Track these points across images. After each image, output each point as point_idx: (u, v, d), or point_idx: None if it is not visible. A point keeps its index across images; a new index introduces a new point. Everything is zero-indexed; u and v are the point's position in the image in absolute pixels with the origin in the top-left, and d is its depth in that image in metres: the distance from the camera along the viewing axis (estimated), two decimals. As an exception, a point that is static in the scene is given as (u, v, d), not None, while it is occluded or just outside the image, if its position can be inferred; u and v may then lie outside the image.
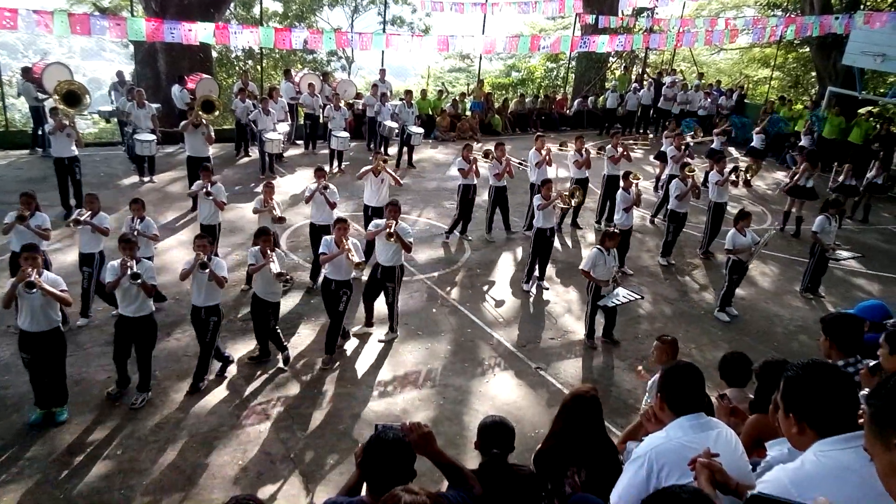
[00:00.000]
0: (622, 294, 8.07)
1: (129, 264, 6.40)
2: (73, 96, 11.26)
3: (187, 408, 6.68)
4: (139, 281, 6.33)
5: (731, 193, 12.60)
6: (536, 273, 9.91)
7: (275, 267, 7.10)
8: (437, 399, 7.14)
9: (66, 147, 10.73)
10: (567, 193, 10.33)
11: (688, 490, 2.07)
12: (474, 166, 11.18)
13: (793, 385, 2.36)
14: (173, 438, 6.22)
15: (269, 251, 7.18)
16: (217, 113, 13.25)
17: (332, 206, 9.19)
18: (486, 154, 11.58)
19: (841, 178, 14.24)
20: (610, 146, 12.33)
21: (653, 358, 5.52)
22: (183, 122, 11.85)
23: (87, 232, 7.92)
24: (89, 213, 7.94)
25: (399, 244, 7.83)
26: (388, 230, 7.75)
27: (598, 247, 8.16)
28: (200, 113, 11.73)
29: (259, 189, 10.00)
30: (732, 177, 11.84)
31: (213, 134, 11.76)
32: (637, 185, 10.55)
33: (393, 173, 10.22)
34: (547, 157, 11.62)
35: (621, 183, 10.72)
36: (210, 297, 6.87)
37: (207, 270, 6.68)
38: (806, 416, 2.30)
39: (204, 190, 9.15)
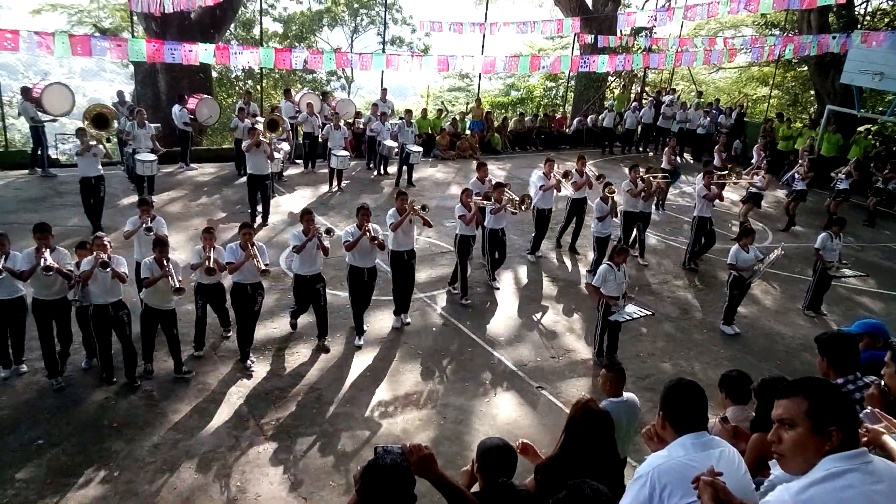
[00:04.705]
0: (633, 310, 8.06)
1: (101, 257, 6.79)
2: (102, 119, 11.73)
3: (185, 428, 6.62)
4: (109, 269, 6.78)
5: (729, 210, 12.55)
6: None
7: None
8: (438, 419, 7.08)
9: (92, 167, 11.10)
10: (518, 199, 10.33)
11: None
12: (476, 212, 9.73)
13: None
14: (171, 459, 6.15)
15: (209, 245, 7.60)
16: (280, 130, 14.04)
17: (326, 252, 8.24)
18: (487, 198, 10.44)
19: (795, 185, 14.34)
20: (575, 170, 12.07)
21: (598, 385, 5.21)
22: (246, 143, 12.09)
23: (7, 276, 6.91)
24: (3, 256, 6.84)
25: (376, 244, 8.19)
26: (369, 234, 8.07)
27: (608, 262, 8.17)
28: (267, 132, 12.53)
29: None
30: (650, 182, 11.75)
31: (274, 152, 12.56)
32: (613, 197, 10.79)
33: (424, 215, 8.93)
34: (555, 183, 11.40)
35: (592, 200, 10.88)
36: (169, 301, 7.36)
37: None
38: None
39: (143, 226, 8.12)
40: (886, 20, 21.66)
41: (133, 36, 17.03)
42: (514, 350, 8.68)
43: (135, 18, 17.60)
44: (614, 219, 11.19)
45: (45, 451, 6.13)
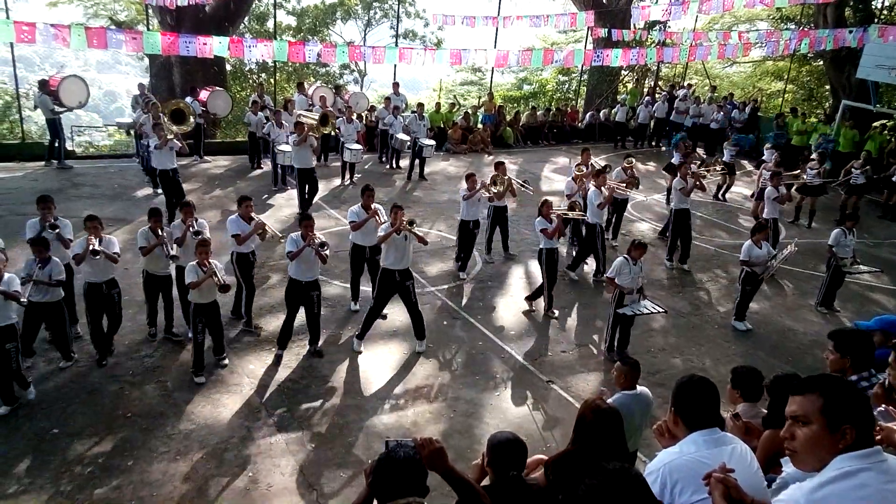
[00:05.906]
0: (646, 305, 8.03)
1: (92, 242, 7.13)
2: (179, 114, 12.53)
3: (198, 419, 6.69)
4: (98, 256, 7.15)
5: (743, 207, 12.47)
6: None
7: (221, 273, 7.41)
8: (448, 412, 7.10)
9: (169, 159, 11.51)
10: (489, 182, 10.59)
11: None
12: (559, 224, 9.35)
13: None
14: (184, 450, 6.22)
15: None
16: (330, 124, 14.57)
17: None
18: (572, 206, 10.30)
19: (805, 178, 14.25)
20: (620, 169, 12.14)
21: (612, 379, 5.23)
22: (295, 139, 12.34)
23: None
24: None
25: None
26: (377, 219, 8.45)
27: (625, 255, 8.13)
28: (317, 126, 13.02)
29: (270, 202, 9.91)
30: (699, 177, 11.64)
31: (319, 146, 13.14)
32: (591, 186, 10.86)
33: (417, 232, 7.93)
34: (609, 197, 10.48)
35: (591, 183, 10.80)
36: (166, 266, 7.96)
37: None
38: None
39: (192, 231, 7.81)
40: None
41: (148, 29, 17.13)
42: (524, 344, 8.69)
43: (150, 11, 17.70)
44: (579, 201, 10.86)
45: (59, 441, 6.20)
